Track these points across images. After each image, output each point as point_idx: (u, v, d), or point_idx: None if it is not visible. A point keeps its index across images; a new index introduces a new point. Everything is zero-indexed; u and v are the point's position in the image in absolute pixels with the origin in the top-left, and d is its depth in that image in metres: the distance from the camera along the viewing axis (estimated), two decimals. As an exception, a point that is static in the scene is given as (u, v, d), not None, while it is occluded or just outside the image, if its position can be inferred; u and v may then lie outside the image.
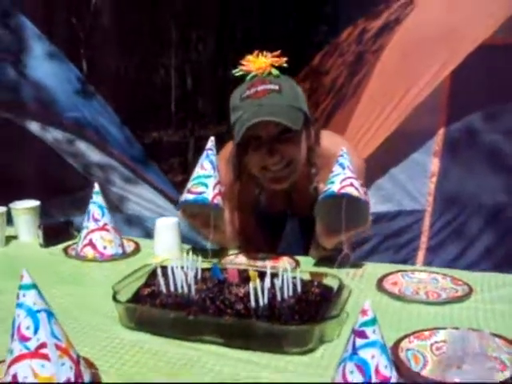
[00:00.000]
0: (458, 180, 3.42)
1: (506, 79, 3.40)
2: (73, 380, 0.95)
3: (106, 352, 1.13)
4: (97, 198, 1.67)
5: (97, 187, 1.67)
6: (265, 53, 1.56)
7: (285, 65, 1.55)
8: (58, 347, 0.95)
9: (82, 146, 3.20)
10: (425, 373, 1.01)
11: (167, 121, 8.49)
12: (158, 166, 3.73)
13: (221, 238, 1.62)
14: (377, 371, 0.81)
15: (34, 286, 0.96)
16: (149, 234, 3.16)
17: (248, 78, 1.55)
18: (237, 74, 1.56)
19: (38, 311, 0.94)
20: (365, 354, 0.81)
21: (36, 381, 0.92)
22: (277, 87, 1.50)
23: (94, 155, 3.26)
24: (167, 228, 1.62)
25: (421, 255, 3.38)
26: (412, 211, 3.41)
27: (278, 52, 1.55)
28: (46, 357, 0.93)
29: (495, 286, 1.43)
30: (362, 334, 0.81)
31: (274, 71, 1.54)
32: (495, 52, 3.30)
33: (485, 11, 3.36)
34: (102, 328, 1.22)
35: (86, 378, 0.98)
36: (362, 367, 0.80)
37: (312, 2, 8.26)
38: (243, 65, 1.56)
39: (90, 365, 1.04)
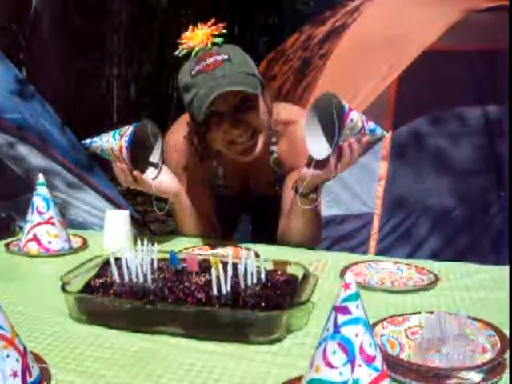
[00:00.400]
0: (405, 183, 3.44)
1: (450, 84, 3.47)
2: (19, 374, 0.85)
3: (54, 347, 1.02)
4: (41, 190, 1.55)
5: (41, 178, 1.56)
6: (199, 25, 1.49)
7: (224, 31, 1.49)
8: (2, 337, 0.84)
9: (24, 149, 3.04)
10: (403, 357, 0.95)
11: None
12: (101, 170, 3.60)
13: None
14: (361, 350, 0.74)
15: (-25, 270, 0.85)
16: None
17: (193, 54, 1.47)
18: (181, 54, 1.49)
19: (-21, 297, 0.84)
20: (348, 331, 0.74)
21: (-24, 375, 0.81)
22: (226, 56, 1.44)
23: (36, 159, 3.11)
24: (118, 221, 1.52)
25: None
26: (360, 215, 3.41)
27: (212, 20, 1.49)
28: (-12, 348, 0.83)
29: (460, 275, 1.41)
30: (345, 310, 0.75)
31: (218, 39, 1.47)
32: (440, 58, 3.36)
33: (429, 18, 3.42)
34: (50, 322, 1.11)
35: (35, 372, 0.88)
36: (345, 346, 0.74)
37: (256, 12, 8.29)
38: (183, 43, 1.49)
39: (39, 359, 0.93)
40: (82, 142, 1.62)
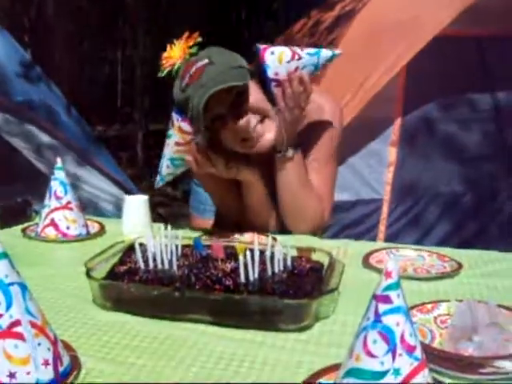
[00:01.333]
0: (415, 169, 3.43)
1: (460, 70, 3.44)
2: (51, 362, 0.84)
3: (81, 334, 1.01)
4: (59, 174, 1.54)
5: (59, 162, 1.54)
6: (174, 41, 1.49)
7: (199, 39, 1.47)
8: (33, 325, 0.83)
9: (32, 128, 3.03)
10: (435, 346, 0.94)
11: (113, 115, 8.29)
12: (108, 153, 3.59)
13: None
14: (402, 340, 0.73)
15: (5, 256, 0.84)
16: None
17: (174, 71, 1.46)
18: (164, 75, 1.48)
19: (11, 284, 0.83)
20: (389, 320, 0.73)
21: (9, 363, 0.80)
22: (206, 60, 1.42)
23: (44, 137, 3.09)
24: (137, 206, 1.51)
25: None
26: (370, 200, 3.40)
27: (185, 33, 1.48)
28: (20, 336, 0.81)
29: (483, 262, 1.39)
30: (387, 299, 0.73)
31: (193, 49, 1.46)
32: (450, 43, 3.32)
33: (440, 3, 3.38)
34: (75, 309, 1.10)
35: (65, 360, 0.87)
36: (387, 335, 0.73)
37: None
38: (164, 64, 1.48)
39: (68, 347, 0.92)
40: (157, 187, 1.59)
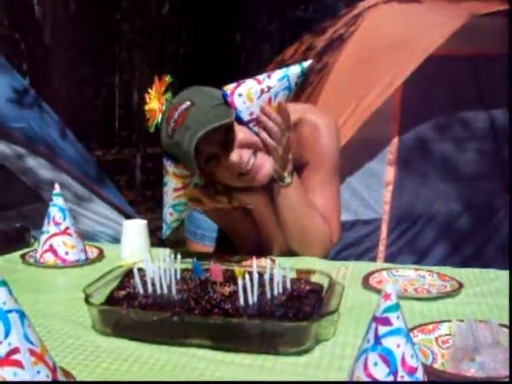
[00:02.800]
0: (412, 189, 3.43)
1: (454, 89, 3.47)
2: (50, 390, 0.83)
3: (80, 361, 1.00)
4: (57, 200, 1.54)
5: (57, 188, 1.54)
6: (148, 90, 1.48)
7: (170, 80, 1.46)
8: (32, 353, 0.83)
9: (32, 161, 3.03)
10: (437, 367, 0.94)
11: (111, 139, 8.31)
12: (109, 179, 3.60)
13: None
14: (403, 362, 0.73)
15: (4, 284, 0.83)
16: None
17: (159, 119, 1.46)
18: (153, 130, 1.48)
19: (9, 311, 0.82)
20: (389, 342, 0.73)
21: (8, 392, 0.80)
22: (188, 103, 1.40)
23: (45, 170, 3.09)
24: (135, 230, 1.50)
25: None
26: (369, 220, 3.40)
27: (155, 79, 1.47)
28: (18, 364, 0.81)
29: (483, 281, 1.39)
30: (386, 321, 0.73)
31: (168, 96, 1.46)
32: (444, 63, 3.35)
33: (434, 22, 3.42)
34: (74, 335, 1.10)
35: (65, 387, 0.86)
36: (387, 358, 0.72)
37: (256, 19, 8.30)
38: (148, 118, 1.48)
39: (67, 374, 0.92)
40: (165, 237, 1.60)
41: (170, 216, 1.55)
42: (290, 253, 1.59)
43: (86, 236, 3.09)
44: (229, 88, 1.44)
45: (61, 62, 7.44)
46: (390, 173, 3.43)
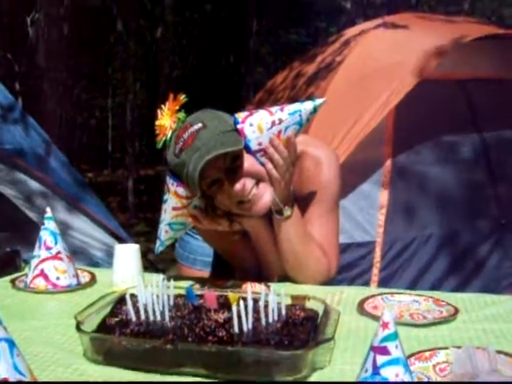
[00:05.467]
0: (406, 211, 3.43)
1: (446, 112, 3.49)
2: (39, 422, 0.81)
3: (72, 390, 0.98)
4: (48, 224, 1.52)
5: (49, 212, 1.53)
6: (161, 107, 1.48)
7: (185, 99, 1.46)
8: None
9: (21, 176, 3.02)
10: (435, 395, 0.92)
11: (104, 161, 8.30)
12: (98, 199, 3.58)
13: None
14: (402, 391, 0.71)
15: (-7, 312, 0.82)
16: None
17: (168, 137, 1.45)
18: (160, 146, 1.47)
19: (-2, 341, 0.81)
20: (388, 372, 0.71)
21: (-4, 424, 0.78)
22: (200, 125, 1.40)
23: (34, 184, 3.08)
24: (128, 255, 1.49)
25: (373, 287, 3.34)
26: (363, 243, 3.39)
27: (170, 97, 1.46)
28: (7, 395, 0.79)
29: (479, 306, 1.38)
30: (384, 350, 0.72)
31: (180, 115, 1.45)
32: (435, 86, 3.38)
33: (427, 46, 3.45)
34: (65, 363, 1.07)
35: (54, 419, 0.84)
36: (386, 388, 0.71)
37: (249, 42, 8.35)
38: (158, 134, 1.47)
39: (57, 404, 0.90)
40: (157, 253, 1.61)
41: (165, 233, 1.55)
42: (287, 277, 1.58)
43: (79, 256, 3.09)
44: (240, 116, 1.45)
45: (54, 84, 7.45)
46: (383, 195, 3.43)
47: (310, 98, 3.60)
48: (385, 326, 0.72)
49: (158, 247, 1.58)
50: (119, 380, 1.01)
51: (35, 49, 7.03)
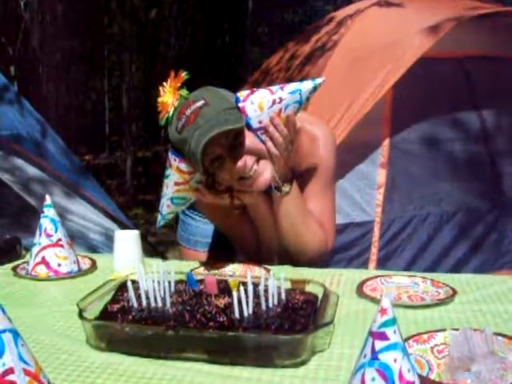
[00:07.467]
0: (405, 190, 3.43)
1: (445, 90, 3.48)
2: (45, 409, 0.82)
3: (76, 377, 0.99)
4: (48, 212, 1.53)
5: (48, 199, 1.53)
6: (163, 84, 1.47)
7: (186, 76, 1.46)
8: (26, 373, 0.82)
9: (19, 161, 3.01)
10: (433, 377, 0.94)
11: (101, 143, 8.28)
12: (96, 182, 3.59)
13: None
14: (400, 376, 0.73)
15: (-3, 303, 0.83)
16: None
17: (171, 114, 1.46)
18: (163, 123, 1.47)
19: (3, 331, 0.82)
20: (386, 357, 0.73)
21: (2, 413, 0.79)
22: (202, 102, 1.41)
23: (32, 170, 3.08)
24: (128, 241, 1.49)
25: (371, 267, 3.36)
26: (361, 223, 3.39)
27: (171, 74, 1.46)
28: (13, 384, 0.80)
29: (476, 287, 1.39)
30: (383, 336, 0.73)
31: (183, 92, 1.45)
32: (434, 64, 3.36)
33: (424, 24, 3.42)
34: (68, 350, 1.09)
35: (59, 406, 0.86)
36: (385, 373, 0.72)
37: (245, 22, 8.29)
38: (160, 111, 1.47)
39: (62, 392, 0.91)
40: (158, 227, 1.62)
41: (166, 208, 1.56)
42: (286, 254, 1.61)
43: (78, 241, 3.09)
44: (242, 94, 1.47)
45: (49, 67, 7.41)
46: (381, 175, 3.43)
47: (306, 79, 3.59)
48: (383, 311, 0.73)
49: (160, 221, 1.60)
50: (121, 365, 1.02)
51: (29, 32, 6.98)
